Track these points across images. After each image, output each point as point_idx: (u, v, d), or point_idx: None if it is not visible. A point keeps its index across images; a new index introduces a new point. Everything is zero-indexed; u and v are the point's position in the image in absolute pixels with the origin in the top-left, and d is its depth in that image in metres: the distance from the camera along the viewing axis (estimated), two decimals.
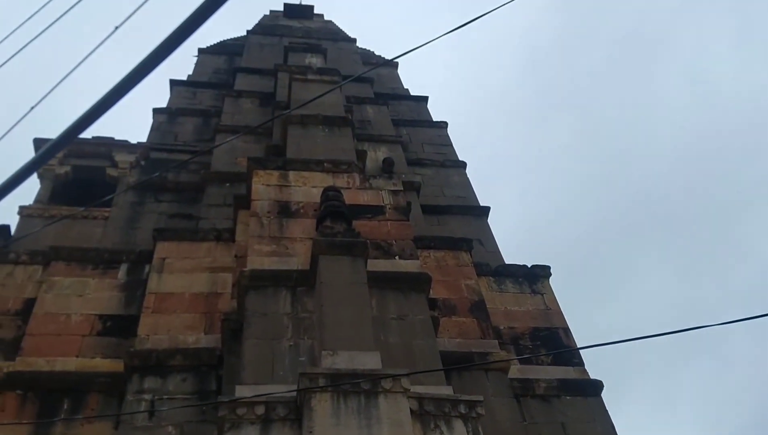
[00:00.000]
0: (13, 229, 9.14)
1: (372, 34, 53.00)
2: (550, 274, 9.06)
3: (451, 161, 11.88)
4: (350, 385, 5.15)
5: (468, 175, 11.58)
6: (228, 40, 16.28)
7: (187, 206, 9.79)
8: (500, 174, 45.65)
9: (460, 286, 8.19)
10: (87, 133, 10.92)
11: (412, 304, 6.68)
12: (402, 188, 8.46)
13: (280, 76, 12.27)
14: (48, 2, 5.30)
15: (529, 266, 9.09)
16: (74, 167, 10.49)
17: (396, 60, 15.01)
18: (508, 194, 42.87)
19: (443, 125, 13.03)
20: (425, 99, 14.20)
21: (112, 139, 10.87)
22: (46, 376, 6.77)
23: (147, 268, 8.08)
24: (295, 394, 5.23)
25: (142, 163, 10.66)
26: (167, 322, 7.30)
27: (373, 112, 12.42)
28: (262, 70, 13.57)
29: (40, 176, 10.23)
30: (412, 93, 14.62)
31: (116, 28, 4.16)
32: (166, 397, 6.50)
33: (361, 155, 9.56)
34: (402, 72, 15.86)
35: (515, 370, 7.45)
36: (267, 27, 16.72)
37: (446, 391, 5.72)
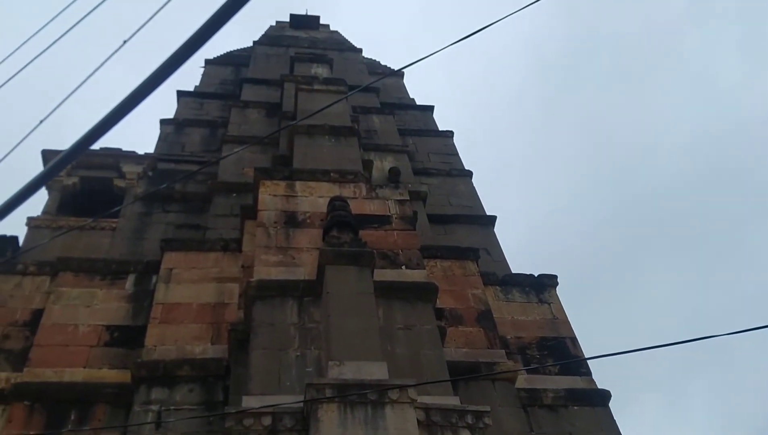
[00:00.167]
0: (21, 241, 9.18)
1: (377, 44, 53.17)
2: (557, 284, 9.05)
3: (458, 170, 11.88)
4: (357, 396, 5.14)
5: (474, 184, 11.58)
6: (234, 50, 16.36)
7: (194, 216, 9.82)
8: (507, 183, 45.65)
9: (467, 296, 8.18)
10: (95, 145, 10.98)
11: (419, 314, 6.68)
12: (408, 198, 8.47)
13: (287, 86, 12.32)
14: (56, 16, 5.35)
15: (536, 275, 9.07)
16: (82, 178, 10.54)
17: (402, 70, 15.06)
18: (514, 203, 42.85)
19: (449, 134, 13.04)
20: (431, 108, 14.22)
21: (119, 150, 10.92)
22: (54, 386, 6.78)
23: (154, 278, 8.10)
24: (302, 404, 5.23)
25: (150, 173, 10.71)
26: (174, 332, 7.31)
27: (380, 121, 12.44)
28: (268, 80, 13.62)
29: (48, 187, 10.29)
30: (418, 102, 14.65)
31: (125, 41, 4.19)
32: (173, 407, 6.51)
33: (368, 165, 9.57)
34: (408, 81, 15.90)
35: (522, 380, 7.43)
36: (273, 38, 16.80)
37: (453, 401, 5.71)
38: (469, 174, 11.80)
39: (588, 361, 7.98)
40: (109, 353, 7.28)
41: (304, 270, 6.97)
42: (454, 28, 53.51)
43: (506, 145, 51.64)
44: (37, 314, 7.65)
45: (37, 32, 5.33)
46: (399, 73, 15.66)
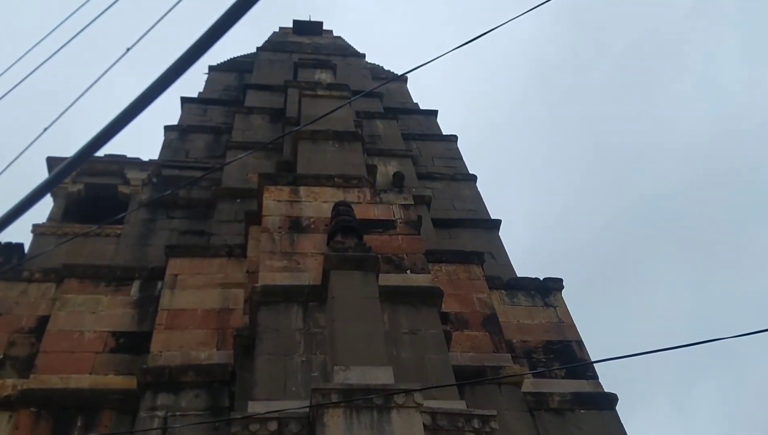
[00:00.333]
0: (26, 248, 9.20)
1: (381, 49, 53.26)
2: (563, 287, 9.03)
3: (462, 174, 11.88)
4: (363, 401, 5.14)
5: (478, 188, 11.58)
6: (238, 57, 16.41)
7: (198, 223, 9.83)
8: (511, 186, 45.62)
9: (472, 300, 8.17)
10: (99, 151, 11.01)
11: (424, 318, 6.67)
12: (412, 202, 8.47)
13: (290, 92, 12.33)
14: (60, 24, 5.37)
15: (542, 279, 9.06)
16: (87, 185, 10.57)
17: (406, 75, 15.07)
18: (519, 206, 42.82)
19: (453, 139, 13.04)
20: (435, 113, 14.23)
21: (124, 156, 10.96)
22: (60, 393, 6.79)
23: (159, 284, 8.11)
24: (307, 409, 5.23)
25: (154, 180, 10.73)
26: (180, 338, 7.32)
27: (383, 126, 12.45)
28: (272, 86, 13.65)
29: (53, 194, 10.31)
30: (421, 107, 14.67)
31: (128, 49, 4.20)
32: (179, 413, 6.50)
33: (372, 170, 9.58)
34: (412, 86, 15.92)
35: (528, 384, 7.40)
36: (276, 44, 16.84)
37: (459, 405, 5.69)
38: (474, 178, 11.79)
39: (594, 365, 7.96)
40: (115, 359, 7.29)
41: (309, 275, 6.97)
42: (457, 32, 53.56)
43: (511, 149, 51.65)
44: (43, 321, 7.67)
45: (41, 40, 5.36)
46: (402, 78, 15.68)
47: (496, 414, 5.56)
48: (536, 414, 7.15)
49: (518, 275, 9.34)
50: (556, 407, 7.31)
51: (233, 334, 7.09)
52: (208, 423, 6.34)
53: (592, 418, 7.29)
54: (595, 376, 7.81)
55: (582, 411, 7.35)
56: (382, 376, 5.52)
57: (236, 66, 15.74)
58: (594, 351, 8.33)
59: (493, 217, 10.73)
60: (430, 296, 6.92)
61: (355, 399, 5.14)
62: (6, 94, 5.07)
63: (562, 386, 7.58)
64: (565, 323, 8.52)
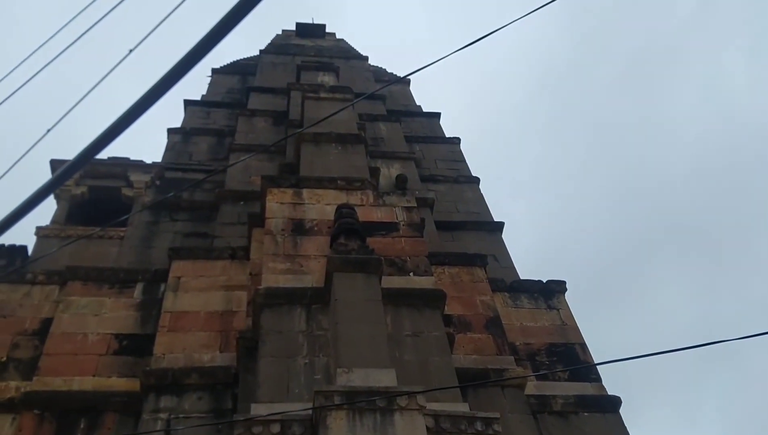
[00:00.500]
0: (30, 250, 9.22)
1: (384, 52, 53.27)
2: (566, 289, 9.01)
3: (465, 177, 11.87)
4: (366, 403, 5.13)
5: (482, 191, 11.57)
6: (241, 59, 16.44)
7: (201, 225, 9.84)
8: (515, 189, 45.60)
9: (475, 302, 8.16)
10: (102, 154, 11.00)
11: (427, 320, 6.67)
12: (415, 205, 8.47)
13: (293, 94, 12.35)
14: (63, 27, 5.38)
15: (545, 281, 9.04)
16: (90, 187, 10.59)
17: (408, 77, 15.08)
18: (522, 209, 42.79)
19: (456, 141, 13.04)
20: (438, 115, 14.23)
21: (127, 159, 10.98)
22: (63, 395, 6.79)
23: (162, 286, 8.11)
24: (310, 412, 5.22)
25: (157, 182, 10.75)
26: (183, 340, 7.32)
27: (386, 129, 12.46)
28: (275, 89, 13.67)
29: (56, 197, 10.34)
30: (424, 109, 14.67)
31: (131, 51, 4.21)
32: (182, 415, 6.50)
33: (375, 172, 9.58)
34: (414, 88, 15.92)
35: (532, 387, 7.39)
36: (279, 46, 16.86)
37: (462, 408, 5.68)
38: (477, 180, 11.79)
39: (598, 368, 7.94)
40: (118, 362, 7.29)
41: (312, 277, 6.97)
42: (460, 35, 53.62)
43: (514, 152, 51.60)
44: (47, 323, 7.67)
45: (45, 42, 5.37)
46: (405, 81, 15.69)
47: (499, 417, 5.55)
48: (539, 417, 7.13)
49: (521, 278, 9.32)
50: (559, 410, 7.29)
51: (236, 337, 7.09)
52: (211, 425, 6.34)
53: (596, 421, 7.27)
54: (598, 379, 7.79)
55: (585, 414, 7.33)
56: (385, 378, 5.52)
57: (239, 69, 15.77)
58: (598, 354, 8.32)
59: (496, 220, 10.72)
60: (433, 298, 6.91)
61: (358, 401, 5.14)
62: (10, 96, 5.08)
63: (566, 389, 7.56)
64: (569, 326, 8.50)
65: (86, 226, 9.84)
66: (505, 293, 8.76)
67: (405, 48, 55.95)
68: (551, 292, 8.93)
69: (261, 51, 16.42)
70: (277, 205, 8.01)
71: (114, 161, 10.87)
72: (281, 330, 6.34)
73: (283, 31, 18.65)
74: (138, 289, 8.16)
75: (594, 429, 7.17)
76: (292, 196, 8.20)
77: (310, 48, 16.95)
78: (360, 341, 5.84)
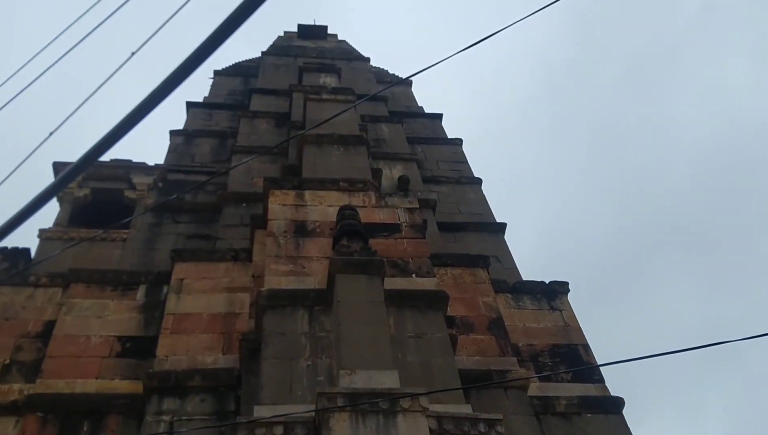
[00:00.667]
0: (33, 252, 9.23)
1: (386, 53, 53.30)
2: (569, 290, 9.00)
3: (467, 178, 11.86)
4: (369, 405, 5.13)
5: (484, 192, 11.57)
6: (243, 61, 16.45)
7: (204, 227, 9.85)
8: (517, 190, 45.56)
9: (478, 304, 8.15)
10: (105, 156, 11.01)
11: (430, 322, 6.66)
12: (418, 206, 8.47)
13: (295, 96, 12.36)
14: (65, 30, 5.39)
15: (547, 282, 9.04)
16: (93, 190, 10.60)
17: (410, 78, 15.09)
18: (525, 210, 42.74)
19: (458, 142, 13.04)
20: (440, 116, 14.22)
21: (129, 161, 10.99)
22: (66, 398, 6.80)
23: (165, 289, 8.12)
24: (313, 413, 5.22)
25: (160, 184, 10.76)
26: (186, 342, 7.32)
27: (388, 130, 12.46)
28: (277, 90, 13.68)
29: (59, 199, 10.34)
30: (426, 110, 14.66)
31: (133, 53, 4.22)
32: (185, 417, 6.51)
33: (377, 173, 9.58)
34: (416, 90, 15.92)
35: (535, 388, 7.38)
36: (281, 48, 16.88)
37: (465, 409, 5.68)
38: (479, 181, 11.78)
39: (601, 369, 7.93)
40: (121, 364, 7.30)
41: (315, 279, 6.97)
42: (463, 37, 53.62)
43: (517, 153, 51.56)
44: (50, 326, 7.68)
45: (48, 45, 5.38)
46: (407, 82, 15.70)
47: (502, 418, 5.54)
48: (542, 418, 7.12)
49: (524, 279, 9.32)
50: (562, 411, 7.28)
51: (239, 339, 7.09)
52: (214, 427, 6.34)
53: (599, 422, 7.26)
54: (601, 380, 7.78)
55: (588, 415, 7.32)
56: (387, 380, 5.51)
57: (241, 70, 15.78)
58: (600, 355, 8.30)
59: (498, 221, 10.71)
60: (436, 300, 6.91)
61: (361, 403, 5.14)
62: (13, 98, 5.09)
63: (569, 390, 7.55)
64: (572, 327, 8.49)
65: (89, 228, 9.85)
66: (508, 294, 8.76)
67: (407, 49, 55.97)
68: (554, 293, 8.92)
69: (263, 52, 16.43)
70: (280, 206, 8.01)
71: (116, 163, 10.89)
72: (284, 332, 6.35)
73: (285, 32, 18.67)
74: (141, 292, 8.17)
75: (597, 430, 7.16)
76: (295, 197, 8.21)
77: (312, 49, 16.96)
78: (363, 343, 5.84)
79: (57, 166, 10.29)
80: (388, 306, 6.39)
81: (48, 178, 9.92)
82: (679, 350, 4.12)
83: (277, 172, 10.01)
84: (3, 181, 4.55)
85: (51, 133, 4.26)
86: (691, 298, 42.29)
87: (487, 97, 57.41)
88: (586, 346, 8.24)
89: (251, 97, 13.52)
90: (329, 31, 18.64)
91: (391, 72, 16.98)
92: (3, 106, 5.10)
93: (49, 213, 10.50)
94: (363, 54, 17.21)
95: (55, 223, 9.93)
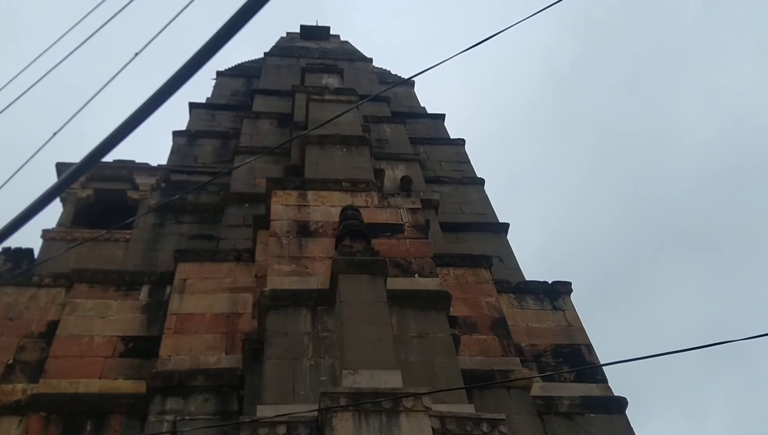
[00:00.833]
0: (36, 253, 9.25)
1: (388, 54, 53.32)
2: (571, 290, 8.99)
3: (469, 178, 11.86)
4: (371, 404, 5.13)
5: (488, 193, 11.57)
6: (246, 62, 16.47)
7: (207, 227, 9.86)
8: (521, 191, 45.55)
9: (481, 304, 8.15)
10: (108, 157, 11.03)
11: (433, 322, 6.66)
12: (420, 206, 8.47)
13: (298, 96, 12.37)
14: (68, 31, 5.40)
15: (550, 283, 9.03)
16: (96, 190, 10.62)
17: (413, 79, 15.09)
18: (528, 211, 42.72)
19: (461, 142, 13.04)
20: (442, 117, 14.23)
21: (132, 162, 11.01)
22: (70, 398, 6.81)
23: (168, 289, 8.13)
24: (316, 413, 5.22)
25: (163, 185, 10.77)
26: (189, 342, 7.33)
27: (391, 130, 12.46)
28: (279, 91, 13.70)
29: (62, 200, 10.37)
30: (429, 111, 14.67)
31: (136, 54, 4.23)
32: (188, 417, 6.51)
33: (379, 174, 9.58)
34: (419, 90, 15.94)
35: (538, 388, 7.38)
36: (284, 49, 16.89)
37: (468, 409, 5.68)
38: (481, 182, 11.78)
39: (604, 369, 7.93)
40: (124, 364, 7.31)
41: (317, 279, 6.98)
42: (466, 38, 53.59)
43: (521, 153, 51.54)
44: (53, 326, 7.69)
45: (51, 46, 5.39)
46: (409, 82, 15.71)
47: (505, 418, 5.54)
48: (545, 418, 7.12)
49: (527, 279, 9.31)
50: (565, 411, 7.28)
51: (242, 339, 7.10)
52: (217, 427, 6.35)
53: (602, 422, 7.26)
54: (604, 380, 7.78)
55: (591, 415, 7.31)
56: (390, 379, 5.51)
57: (244, 71, 15.80)
58: (604, 355, 8.32)
59: (501, 221, 10.71)
60: (439, 300, 6.91)
61: (364, 403, 5.14)
62: (16, 99, 5.11)
63: (572, 390, 7.55)
64: (574, 327, 8.49)
65: (92, 228, 9.87)
66: (511, 294, 8.75)
67: (410, 50, 55.98)
68: (557, 293, 8.92)
69: (265, 53, 16.45)
70: (282, 207, 8.02)
71: (120, 164, 10.91)
72: (287, 332, 6.35)
73: (287, 33, 18.69)
74: (144, 292, 8.18)
75: (600, 430, 7.16)
76: (297, 198, 8.21)
77: (314, 50, 16.97)
78: (365, 343, 5.84)
79: (60, 167, 10.31)
80: (390, 306, 6.39)
81: (51, 179, 9.95)
82: (680, 350, 4.12)
83: (280, 172, 10.03)
84: (6, 181, 4.57)
85: (54, 134, 4.27)
86: (695, 299, 42.25)
87: (491, 98, 57.43)
88: (589, 346, 8.23)
89: (254, 97, 13.54)
90: (332, 32, 18.65)
91: (393, 73, 17.00)
92: (7, 107, 5.12)
93: (53, 213, 10.55)
94: (365, 55, 17.22)
95: (59, 224, 9.95)
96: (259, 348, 6.46)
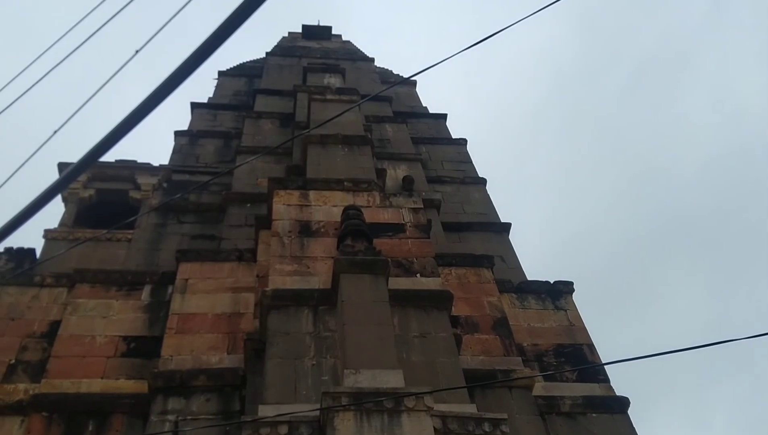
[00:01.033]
0: (38, 253, 9.25)
1: (390, 54, 53.31)
2: (573, 290, 8.98)
3: (471, 178, 11.86)
4: (373, 404, 5.13)
5: (489, 192, 11.56)
6: (247, 62, 16.47)
7: (209, 227, 9.86)
8: (523, 190, 45.51)
9: (482, 304, 8.15)
10: (110, 157, 11.06)
11: (434, 321, 6.66)
12: (422, 206, 8.46)
13: (300, 96, 12.37)
14: (71, 29, 5.40)
15: (552, 282, 9.02)
16: (98, 190, 10.63)
17: (414, 78, 15.10)
18: (530, 210, 42.69)
19: (462, 142, 13.03)
20: (444, 116, 14.22)
21: (134, 162, 11.01)
22: (72, 398, 6.81)
23: (170, 289, 8.13)
24: (318, 413, 5.22)
25: (165, 185, 10.77)
26: (190, 342, 7.33)
27: (392, 130, 12.46)
28: (281, 91, 13.70)
29: (64, 200, 10.38)
30: (431, 111, 14.66)
31: (137, 51, 4.23)
32: (189, 417, 6.51)
33: (381, 174, 9.58)
34: (422, 90, 15.94)
35: (540, 388, 7.37)
36: (286, 48, 16.89)
37: (470, 409, 5.67)
38: (483, 181, 11.77)
39: (606, 369, 7.92)
40: (126, 364, 7.31)
41: (319, 279, 6.97)
42: (468, 38, 53.56)
43: (524, 153, 51.49)
44: (55, 326, 7.70)
45: (53, 44, 5.39)
46: (411, 82, 15.69)
47: (506, 417, 5.54)
48: (547, 418, 7.11)
49: (529, 279, 9.30)
50: (567, 411, 7.27)
51: (244, 338, 7.10)
52: (219, 426, 6.35)
53: (604, 421, 7.25)
54: (606, 380, 7.76)
55: (593, 415, 7.30)
56: (392, 379, 5.51)
57: (246, 71, 15.80)
58: (607, 356, 8.31)
59: (503, 221, 10.70)
60: (440, 299, 6.90)
61: (366, 402, 5.13)
62: (18, 98, 5.11)
63: (574, 390, 7.54)
64: (576, 327, 8.48)
65: (94, 228, 9.87)
66: (513, 294, 8.75)
67: (412, 50, 55.98)
68: (559, 292, 8.91)
69: (267, 53, 16.45)
70: (284, 206, 8.02)
71: (121, 164, 10.92)
72: (288, 331, 6.35)
73: (289, 33, 18.69)
74: (146, 292, 8.18)
75: (602, 430, 7.15)
76: (299, 197, 8.21)
77: (316, 50, 16.97)
78: (367, 342, 5.84)
79: (62, 167, 10.31)
80: (392, 306, 6.39)
81: (53, 179, 9.94)
82: (681, 349, 4.11)
83: (282, 172, 10.02)
84: (7, 179, 4.56)
85: (55, 132, 4.27)
86: (700, 299, 42.20)
87: (494, 98, 57.39)
88: (591, 346, 8.22)
89: (255, 97, 13.54)
90: (334, 32, 18.65)
91: (395, 72, 16.99)
92: (9, 106, 5.12)
93: (55, 214, 10.53)
94: (367, 55, 17.22)
95: (61, 224, 9.96)
96: (261, 348, 6.46)
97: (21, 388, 7.00)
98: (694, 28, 53.10)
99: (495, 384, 6.94)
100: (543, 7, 4.11)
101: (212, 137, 12.38)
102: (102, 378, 7.12)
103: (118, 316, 7.84)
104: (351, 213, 7.37)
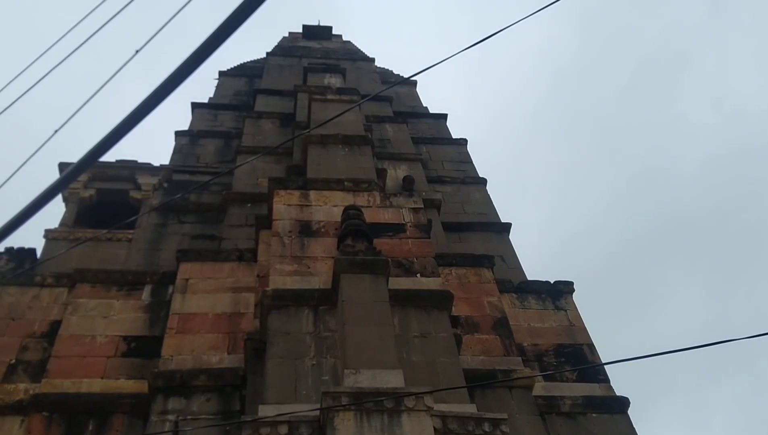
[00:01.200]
0: (39, 253, 9.26)
1: (390, 55, 53.34)
2: (574, 290, 8.98)
3: (471, 178, 11.86)
4: (373, 404, 5.13)
5: (489, 192, 11.56)
6: (248, 62, 16.47)
7: (209, 227, 9.86)
8: (523, 190, 45.51)
9: (483, 304, 8.15)
10: (111, 157, 11.06)
11: (435, 321, 6.66)
12: (422, 206, 8.46)
13: (300, 96, 12.37)
14: (71, 29, 5.41)
15: (552, 282, 9.02)
16: (98, 190, 10.64)
17: (414, 78, 15.10)
18: (530, 210, 42.69)
19: (463, 142, 13.03)
20: (444, 116, 14.22)
21: (135, 162, 11.02)
22: (72, 397, 6.82)
23: (170, 289, 8.14)
24: (318, 413, 5.22)
25: (165, 185, 10.78)
26: (191, 342, 7.34)
27: (393, 130, 12.46)
28: (281, 91, 13.70)
29: (65, 200, 10.38)
30: (431, 111, 14.66)
31: (137, 51, 4.23)
32: (190, 417, 6.52)
33: (381, 174, 9.58)
34: (422, 91, 15.94)
35: (540, 388, 7.37)
36: (286, 48, 16.90)
37: (470, 409, 5.68)
38: (483, 181, 11.77)
39: (606, 369, 7.92)
40: (126, 364, 7.31)
41: (319, 279, 6.98)
42: (469, 38, 53.55)
43: (524, 153, 51.49)
44: (55, 326, 7.70)
45: (54, 44, 5.39)
46: (411, 82, 15.69)
47: (506, 417, 5.54)
48: (547, 418, 7.12)
49: (529, 279, 9.30)
50: (567, 411, 7.27)
51: (244, 338, 7.10)
52: (219, 426, 6.35)
53: (604, 421, 7.25)
54: (606, 380, 7.76)
55: (593, 415, 7.31)
56: (392, 379, 5.51)
57: (246, 71, 15.80)
58: (607, 356, 8.30)
59: (503, 221, 10.70)
60: (441, 299, 6.91)
61: (366, 402, 5.14)
62: (19, 98, 5.11)
63: (574, 390, 7.54)
64: (577, 327, 8.48)
65: (95, 228, 9.88)
66: (513, 294, 8.75)
67: (413, 50, 55.98)
68: (559, 292, 8.91)
69: (268, 53, 16.45)
70: (285, 206, 8.02)
71: (122, 164, 10.92)
72: (289, 331, 6.35)
73: (289, 33, 18.70)
74: (146, 291, 8.19)
75: (602, 430, 7.15)
76: (299, 197, 8.21)
77: (316, 50, 16.98)
78: (367, 342, 5.84)
79: (63, 167, 10.31)
80: (392, 306, 6.39)
81: (53, 178, 9.94)
82: (681, 349, 4.11)
83: (282, 172, 10.03)
84: (7, 179, 4.57)
85: (56, 131, 4.27)
86: (699, 299, 42.20)
87: (494, 98, 57.39)
88: (591, 346, 8.22)
89: (256, 97, 13.54)
90: (334, 32, 18.65)
91: (396, 73, 16.99)
92: (9, 106, 5.12)
93: (55, 213, 10.53)
94: (368, 55, 17.22)
95: (61, 224, 9.96)
96: (261, 348, 6.46)
97: (21, 388, 7.00)
98: (693, 29, 53.15)
99: (495, 384, 6.94)
100: (543, 7, 4.11)
101: (213, 137, 12.38)
102: (102, 378, 7.12)
103: (119, 316, 7.84)
104: (351, 213, 7.38)
